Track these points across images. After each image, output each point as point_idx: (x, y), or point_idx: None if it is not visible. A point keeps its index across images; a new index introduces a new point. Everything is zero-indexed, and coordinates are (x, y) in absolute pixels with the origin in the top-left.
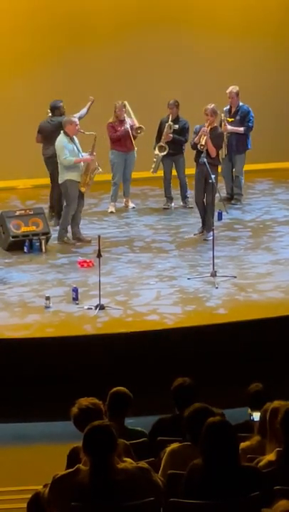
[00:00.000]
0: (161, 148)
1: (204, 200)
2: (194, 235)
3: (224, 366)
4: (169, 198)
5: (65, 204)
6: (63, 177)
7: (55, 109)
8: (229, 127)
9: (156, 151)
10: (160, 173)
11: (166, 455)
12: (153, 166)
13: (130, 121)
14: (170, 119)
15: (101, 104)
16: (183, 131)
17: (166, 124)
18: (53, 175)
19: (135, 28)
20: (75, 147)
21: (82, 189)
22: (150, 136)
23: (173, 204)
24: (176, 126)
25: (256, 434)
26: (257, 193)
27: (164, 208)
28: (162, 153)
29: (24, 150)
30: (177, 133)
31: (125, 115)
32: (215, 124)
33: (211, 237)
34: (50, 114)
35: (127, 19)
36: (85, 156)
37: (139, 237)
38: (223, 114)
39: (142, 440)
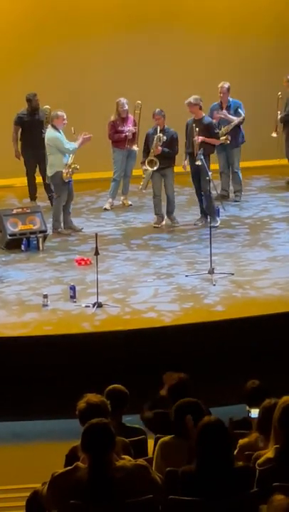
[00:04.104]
0: (151, 163)
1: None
2: (194, 224)
3: (222, 363)
4: (160, 216)
5: (55, 196)
6: (54, 169)
7: (27, 102)
8: (224, 111)
9: (146, 166)
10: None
11: (157, 447)
12: (142, 182)
13: (132, 122)
14: (158, 131)
15: (95, 101)
16: (172, 142)
17: (155, 137)
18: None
19: (129, 26)
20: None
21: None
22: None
23: (164, 222)
24: (165, 137)
25: (255, 430)
26: (254, 190)
27: (154, 227)
28: (153, 169)
29: None
30: (166, 145)
31: (127, 110)
32: (203, 114)
33: (218, 223)
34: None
35: (120, 17)
36: (80, 140)
37: (136, 234)
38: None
39: (140, 437)
